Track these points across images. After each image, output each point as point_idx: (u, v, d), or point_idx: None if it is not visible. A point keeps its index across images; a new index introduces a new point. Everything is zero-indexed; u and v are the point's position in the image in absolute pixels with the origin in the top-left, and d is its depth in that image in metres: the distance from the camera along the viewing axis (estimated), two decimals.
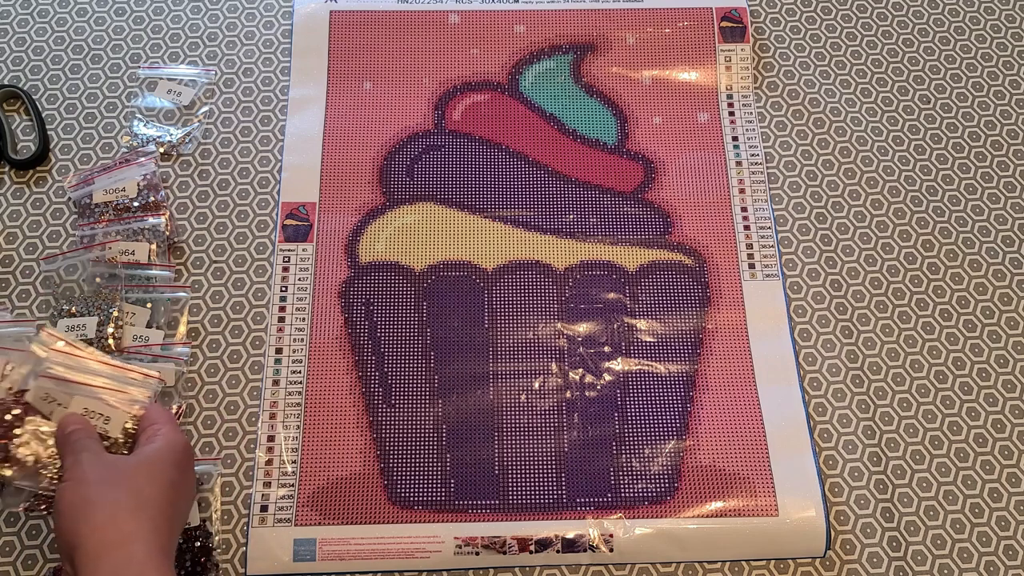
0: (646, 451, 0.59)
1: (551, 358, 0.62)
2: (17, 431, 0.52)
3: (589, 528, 0.56)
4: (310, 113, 0.69)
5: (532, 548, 0.56)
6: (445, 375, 0.61)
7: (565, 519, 0.57)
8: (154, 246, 0.62)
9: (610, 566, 0.57)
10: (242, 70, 0.71)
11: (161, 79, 0.70)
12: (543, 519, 0.57)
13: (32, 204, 0.65)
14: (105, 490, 0.47)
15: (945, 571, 0.57)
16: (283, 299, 0.63)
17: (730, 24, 0.72)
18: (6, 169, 0.67)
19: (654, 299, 0.64)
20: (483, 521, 0.57)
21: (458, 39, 0.71)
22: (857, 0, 0.75)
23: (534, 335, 0.62)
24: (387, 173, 0.67)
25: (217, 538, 0.56)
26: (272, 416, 0.59)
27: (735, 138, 0.69)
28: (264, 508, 0.57)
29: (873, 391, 0.62)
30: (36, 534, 0.56)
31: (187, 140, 0.68)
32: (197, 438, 0.59)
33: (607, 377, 0.61)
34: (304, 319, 0.62)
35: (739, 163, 0.69)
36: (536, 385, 0.61)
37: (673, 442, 0.59)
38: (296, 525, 0.56)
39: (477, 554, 0.56)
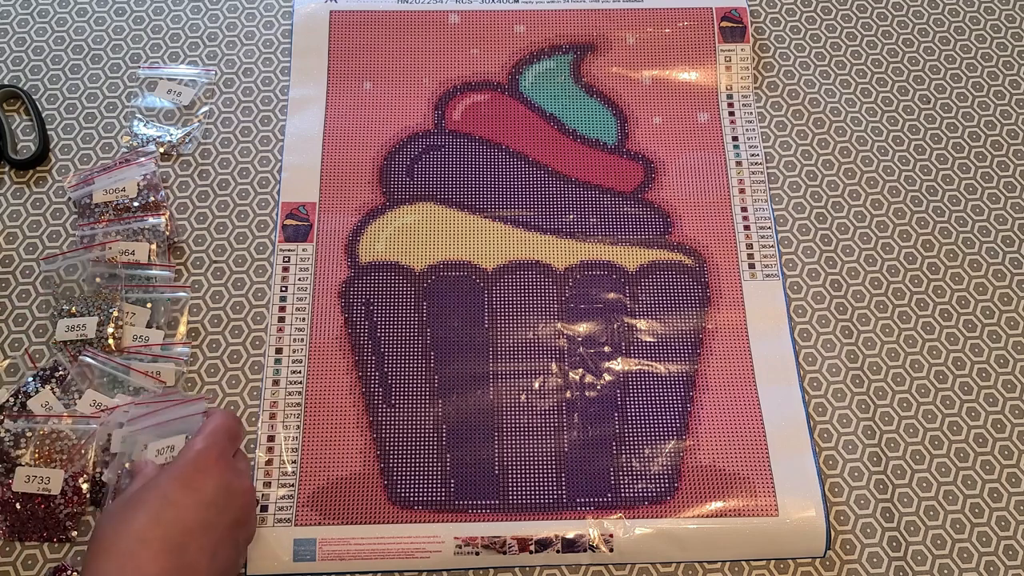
0: (646, 451, 0.59)
1: (551, 358, 0.62)
2: None
3: (589, 528, 0.56)
4: (310, 113, 0.69)
5: (532, 548, 0.56)
6: (445, 375, 0.61)
7: (565, 519, 0.57)
8: (154, 246, 0.62)
9: (610, 566, 0.57)
10: (242, 70, 0.71)
11: (161, 79, 0.70)
12: (543, 519, 0.57)
13: (32, 204, 0.65)
14: (116, 527, 0.45)
15: (945, 571, 0.57)
16: (283, 299, 0.63)
17: (730, 24, 0.72)
18: (6, 169, 0.67)
19: (654, 299, 0.64)
20: (483, 521, 0.57)
21: (458, 39, 0.71)
22: (857, 0, 0.75)
23: (534, 335, 0.62)
24: (387, 173, 0.67)
25: None
26: (272, 416, 0.59)
27: (735, 138, 0.69)
28: (264, 508, 0.57)
29: (873, 391, 0.62)
30: None
31: (187, 140, 0.68)
32: None
33: (607, 377, 0.61)
34: (304, 319, 0.62)
35: (739, 163, 0.69)
36: (536, 385, 0.61)
37: (673, 442, 0.59)
38: (296, 525, 0.56)
39: (477, 554, 0.56)
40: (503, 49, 0.71)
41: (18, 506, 0.55)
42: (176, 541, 0.44)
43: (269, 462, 0.58)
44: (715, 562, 0.57)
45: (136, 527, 0.44)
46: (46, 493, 0.55)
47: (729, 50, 0.72)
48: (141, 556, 0.43)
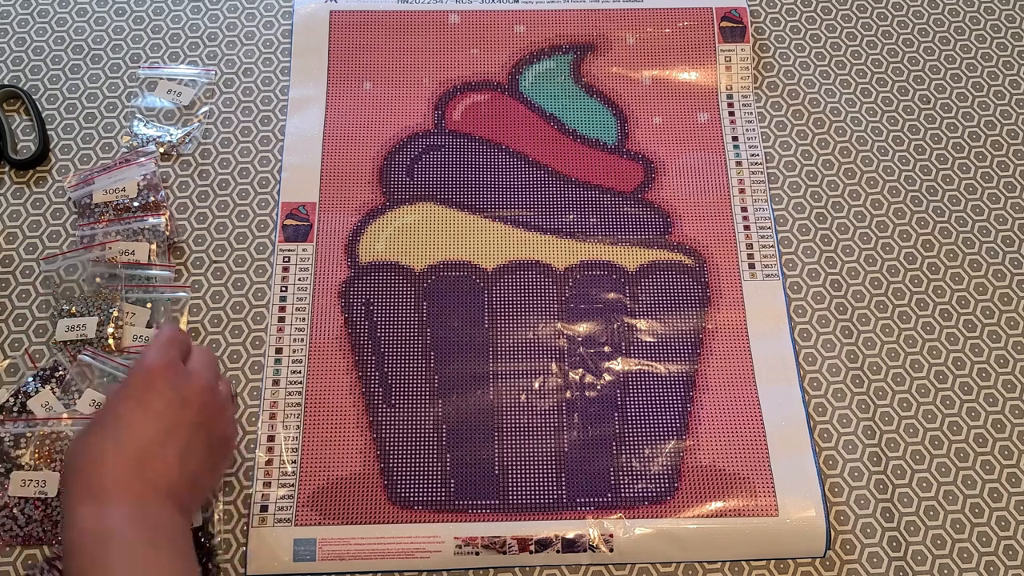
0: (646, 451, 0.59)
1: (551, 358, 0.62)
2: None
3: (589, 528, 0.56)
4: (310, 113, 0.69)
5: (532, 548, 0.56)
6: (445, 375, 0.61)
7: (565, 519, 0.57)
8: (154, 246, 0.62)
9: (610, 566, 0.57)
10: (242, 70, 0.71)
11: (161, 79, 0.70)
12: (543, 519, 0.57)
13: (32, 204, 0.65)
14: (79, 455, 0.46)
15: (945, 571, 0.57)
16: (283, 299, 0.63)
17: (730, 24, 0.72)
18: (6, 169, 0.67)
19: (654, 299, 0.64)
20: (483, 521, 0.57)
21: (458, 39, 0.71)
22: (857, 0, 0.75)
23: (534, 335, 0.62)
24: (387, 173, 0.67)
25: (218, 539, 0.56)
26: (272, 416, 0.59)
27: (735, 138, 0.69)
28: (264, 508, 0.57)
29: (873, 391, 0.62)
30: None
31: (187, 140, 0.68)
32: None
33: (607, 377, 0.61)
34: (304, 319, 0.62)
35: (739, 163, 0.69)
36: (536, 385, 0.61)
37: (673, 442, 0.59)
38: (296, 525, 0.56)
39: (477, 554, 0.56)
40: (503, 49, 0.71)
41: (15, 511, 0.55)
42: (134, 457, 0.45)
43: (269, 462, 0.58)
44: (715, 562, 0.57)
45: (95, 450, 0.45)
46: (43, 496, 0.55)
47: (729, 50, 0.72)
48: (103, 476, 0.44)
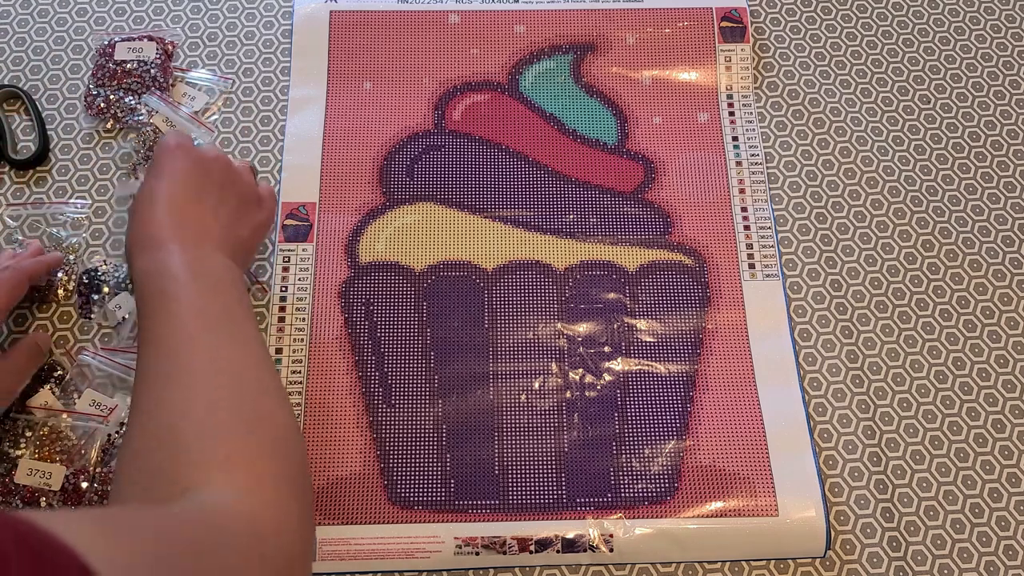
0: (646, 451, 0.59)
1: (551, 358, 0.62)
2: None
3: (589, 528, 0.56)
4: (310, 113, 0.69)
5: (532, 548, 0.56)
6: (445, 375, 0.61)
7: (565, 519, 0.57)
8: None
9: (610, 566, 0.57)
10: (242, 70, 0.71)
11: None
12: (543, 519, 0.57)
13: (32, 204, 0.65)
14: (137, 210, 0.51)
15: (945, 571, 0.57)
16: (283, 299, 0.63)
17: (730, 24, 0.72)
18: (6, 169, 0.67)
19: (654, 299, 0.64)
20: (483, 521, 0.57)
21: (458, 39, 0.71)
22: (857, 0, 0.75)
23: (534, 335, 0.62)
24: (387, 173, 0.67)
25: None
26: None
27: (735, 138, 0.69)
28: None
29: (873, 391, 0.62)
30: None
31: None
32: None
33: (607, 377, 0.61)
34: (304, 319, 0.62)
35: (739, 163, 0.69)
36: (536, 385, 0.61)
37: (673, 442, 0.59)
38: None
39: (477, 554, 0.56)
40: (503, 49, 0.71)
41: (18, 501, 0.55)
42: (173, 212, 0.51)
43: None
44: (715, 562, 0.57)
45: (141, 216, 0.51)
46: (47, 488, 0.55)
47: (729, 50, 0.72)
48: (152, 229, 0.50)
